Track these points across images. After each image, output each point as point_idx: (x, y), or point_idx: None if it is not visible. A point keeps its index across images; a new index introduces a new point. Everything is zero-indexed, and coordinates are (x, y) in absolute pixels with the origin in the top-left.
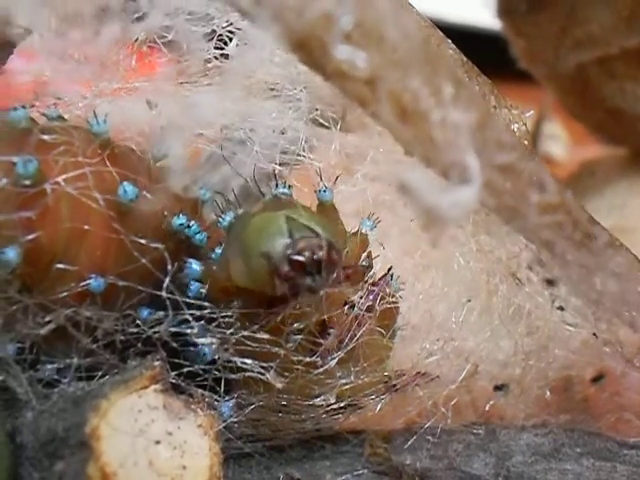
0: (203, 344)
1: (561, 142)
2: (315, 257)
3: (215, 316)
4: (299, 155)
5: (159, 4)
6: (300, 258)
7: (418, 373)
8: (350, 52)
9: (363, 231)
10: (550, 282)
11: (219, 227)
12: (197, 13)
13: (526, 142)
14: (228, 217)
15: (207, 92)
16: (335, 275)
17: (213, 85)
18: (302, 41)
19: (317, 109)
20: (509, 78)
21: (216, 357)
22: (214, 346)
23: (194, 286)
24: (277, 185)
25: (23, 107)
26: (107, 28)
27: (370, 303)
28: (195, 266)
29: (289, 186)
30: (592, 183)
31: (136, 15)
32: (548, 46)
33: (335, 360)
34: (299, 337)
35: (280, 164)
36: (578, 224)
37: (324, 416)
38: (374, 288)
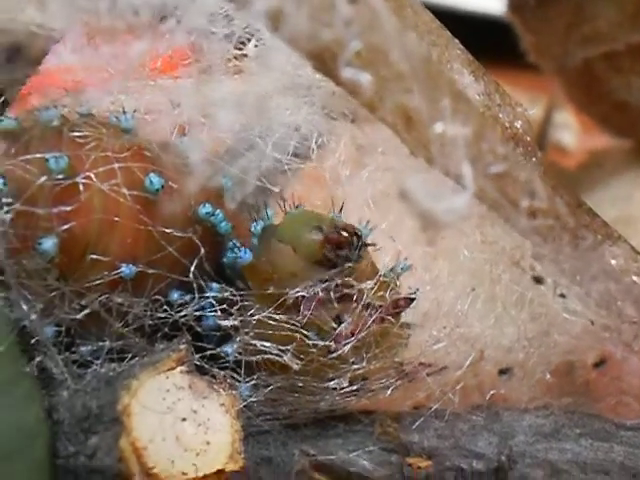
0: (225, 326)
1: (572, 131)
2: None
3: (236, 299)
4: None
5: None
6: (343, 232)
7: (427, 364)
8: (355, 73)
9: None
10: (538, 279)
11: (252, 232)
12: (217, 14)
13: (529, 138)
14: (259, 225)
15: (226, 89)
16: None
17: (232, 82)
18: (315, 53)
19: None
20: (522, 66)
21: (237, 340)
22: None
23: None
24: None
25: (55, 106)
26: (137, 42)
27: (393, 312)
28: (247, 255)
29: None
30: (599, 175)
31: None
32: (556, 41)
33: (349, 346)
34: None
35: (295, 155)
36: (566, 227)
37: (337, 398)
38: (399, 307)
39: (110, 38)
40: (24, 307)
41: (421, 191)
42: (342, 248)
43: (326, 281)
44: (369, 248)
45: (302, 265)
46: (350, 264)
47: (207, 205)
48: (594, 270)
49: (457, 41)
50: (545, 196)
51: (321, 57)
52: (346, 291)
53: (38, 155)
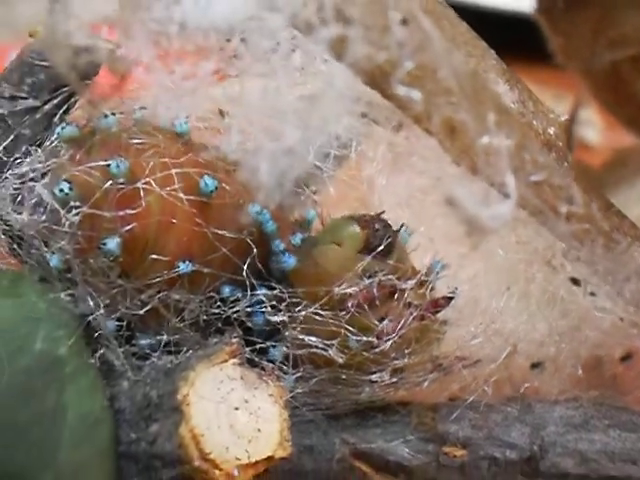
0: (274, 321)
1: (595, 127)
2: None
3: (284, 296)
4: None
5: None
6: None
7: (463, 358)
8: (407, 91)
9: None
10: (575, 281)
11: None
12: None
13: (561, 144)
14: (299, 237)
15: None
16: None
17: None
18: (368, 72)
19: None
20: (546, 63)
21: (286, 335)
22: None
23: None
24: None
25: (113, 114)
26: (205, 63)
27: (433, 311)
28: (291, 260)
29: None
30: (624, 174)
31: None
32: (584, 44)
33: (390, 342)
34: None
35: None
36: (601, 231)
37: (377, 390)
38: (438, 306)
39: (180, 59)
40: (90, 303)
41: (467, 198)
42: (378, 230)
43: (370, 277)
44: (409, 250)
45: (349, 256)
46: (390, 241)
47: (256, 204)
48: (627, 271)
49: (492, 51)
50: (582, 202)
51: (372, 75)
52: (388, 290)
53: (101, 162)
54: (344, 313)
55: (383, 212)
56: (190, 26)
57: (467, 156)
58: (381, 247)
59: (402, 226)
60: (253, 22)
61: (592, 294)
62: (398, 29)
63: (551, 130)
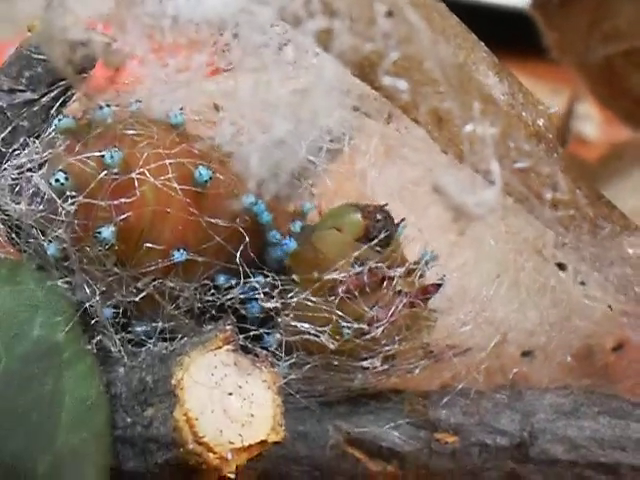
0: (268, 308)
1: (593, 122)
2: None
3: (277, 283)
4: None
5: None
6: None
7: (453, 346)
8: (393, 81)
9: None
10: (561, 266)
11: (292, 230)
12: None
13: (550, 136)
14: (298, 224)
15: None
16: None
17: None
18: (356, 63)
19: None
20: (543, 58)
21: (279, 321)
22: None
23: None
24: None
25: (108, 105)
26: (198, 56)
27: (422, 298)
28: (292, 243)
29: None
30: (619, 166)
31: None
32: (578, 38)
33: (381, 329)
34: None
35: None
36: (586, 217)
37: (370, 377)
38: (428, 293)
39: (173, 52)
40: (86, 290)
41: (454, 186)
42: (379, 221)
43: (361, 264)
44: (401, 239)
45: (348, 241)
46: (387, 234)
47: (250, 195)
48: (612, 256)
49: (482, 44)
50: (566, 189)
51: (360, 66)
52: (379, 278)
53: (96, 152)
54: (334, 299)
55: (386, 204)
56: (183, 20)
57: (454, 144)
58: (379, 238)
59: (402, 220)
60: (244, 15)
61: (582, 283)
62: (383, 21)
63: (540, 122)
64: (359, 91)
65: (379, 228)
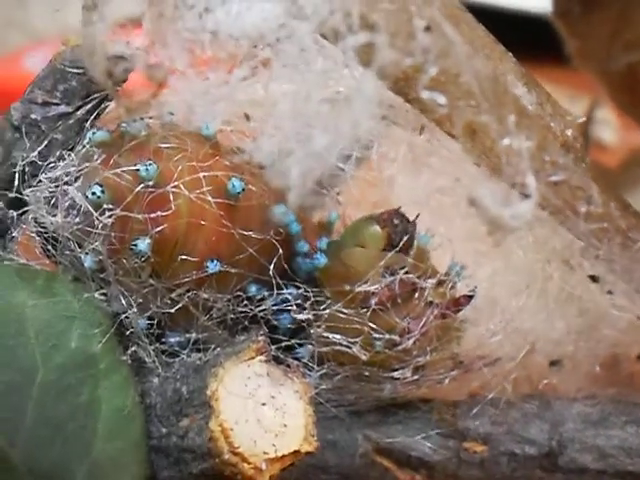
0: (301, 319)
1: (611, 127)
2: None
3: (309, 295)
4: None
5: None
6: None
7: (483, 356)
8: (432, 95)
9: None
10: (594, 278)
11: (319, 246)
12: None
13: (579, 146)
14: (324, 241)
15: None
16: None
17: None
18: (392, 78)
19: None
20: (562, 64)
21: (311, 332)
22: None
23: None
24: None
25: (141, 118)
26: (238, 70)
27: (454, 309)
28: (322, 259)
29: None
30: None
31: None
32: (601, 46)
33: (412, 340)
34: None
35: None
36: (619, 230)
37: (399, 387)
38: (459, 304)
39: (213, 67)
40: (122, 302)
41: (489, 198)
42: (397, 225)
43: (392, 274)
44: (430, 250)
45: (375, 255)
46: (408, 236)
47: (282, 205)
48: None
49: (510, 54)
50: (600, 202)
51: (396, 79)
52: (410, 288)
53: (131, 165)
54: (366, 310)
55: (399, 207)
56: (222, 34)
57: (487, 157)
58: (403, 241)
59: (417, 216)
60: (282, 30)
61: (609, 292)
62: (422, 36)
63: (569, 132)
64: (390, 101)
65: (400, 232)
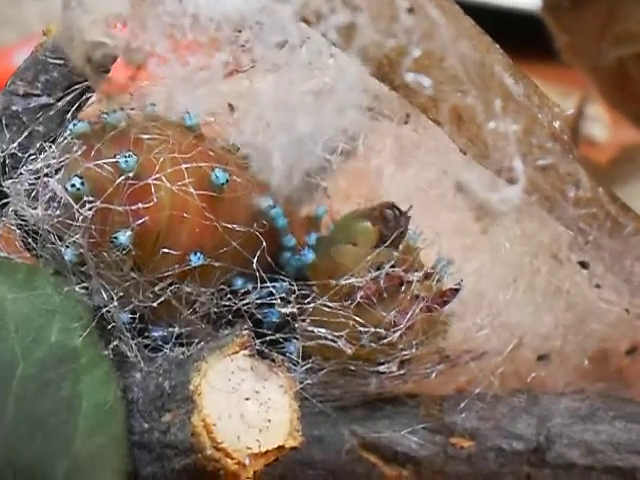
0: (285, 313)
1: (602, 124)
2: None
3: (294, 289)
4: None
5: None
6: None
7: (469, 350)
8: (417, 77)
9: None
10: (583, 264)
11: (307, 241)
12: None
13: (566, 137)
14: (313, 237)
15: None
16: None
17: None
18: (375, 61)
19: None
20: (552, 60)
21: (296, 326)
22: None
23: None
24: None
25: (122, 109)
26: (219, 54)
27: (440, 302)
28: (310, 255)
29: None
30: (630, 168)
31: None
32: (590, 41)
33: (398, 333)
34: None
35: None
36: (609, 215)
37: (385, 381)
38: (446, 298)
39: (194, 51)
40: (103, 296)
41: (477, 183)
42: (389, 221)
43: (378, 269)
44: (418, 244)
45: (366, 253)
46: (401, 230)
47: (268, 199)
48: (635, 253)
49: (497, 46)
50: (589, 186)
51: (380, 65)
52: (396, 282)
53: (110, 157)
54: (351, 303)
55: (392, 202)
56: (203, 18)
57: (473, 144)
58: (394, 237)
59: (409, 208)
60: (264, 14)
61: (597, 286)
62: (405, 17)
63: (556, 124)
64: (374, 91)
65: (392, 228)
